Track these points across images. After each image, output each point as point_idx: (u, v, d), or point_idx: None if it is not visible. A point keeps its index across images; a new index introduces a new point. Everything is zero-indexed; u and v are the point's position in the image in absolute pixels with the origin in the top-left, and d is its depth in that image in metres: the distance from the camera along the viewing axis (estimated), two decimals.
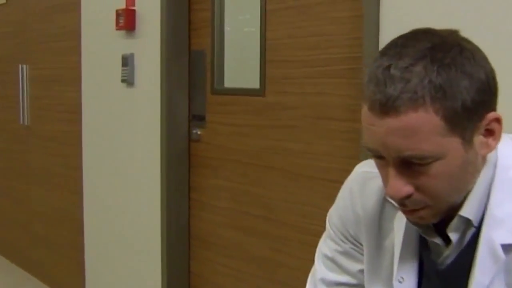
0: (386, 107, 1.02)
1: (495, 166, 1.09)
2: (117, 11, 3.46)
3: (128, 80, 3.48)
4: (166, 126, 3.28)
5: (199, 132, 3.29)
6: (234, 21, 3.16)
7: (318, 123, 2.66)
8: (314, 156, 2.69)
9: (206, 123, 3.25)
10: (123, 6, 3.50)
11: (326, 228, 1.37)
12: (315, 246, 1.42)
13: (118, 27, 3.47)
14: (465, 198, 1.09)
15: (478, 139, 1.05)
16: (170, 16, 3.23)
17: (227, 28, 3.15)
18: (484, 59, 1.08)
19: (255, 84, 2.97)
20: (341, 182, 1.40)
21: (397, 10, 2.16)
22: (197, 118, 3.29)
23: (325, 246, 1.35)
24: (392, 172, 1.03)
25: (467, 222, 1.09)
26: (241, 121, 3.04)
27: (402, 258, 1.16)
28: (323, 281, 1.32)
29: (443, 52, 1.03)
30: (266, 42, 2.89)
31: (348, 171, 1.40)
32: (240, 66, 3.10)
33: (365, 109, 1.06)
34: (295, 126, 2.77)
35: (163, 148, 3.29)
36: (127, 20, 3.43)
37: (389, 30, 2.16)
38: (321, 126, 2.65)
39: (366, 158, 1.31)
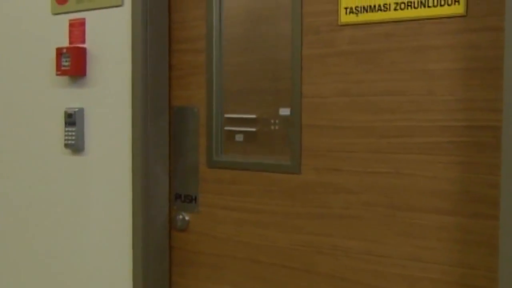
0: None
1: None
2: (58, 49, 2.49)
3: (74, 146, 2.50)
4: (141, 210, 2.34)
5: (186, 218, 2.38)
6: None
7: (394, 215, 1.90)
8: (386, 260, 1.92)
9: (197, 206, 2.35)
10: (67, 42, 2.54)
11: None
12: None
13: (60, 71, 2.50)
14: None
15: None
16: (144, 57, 2.32)
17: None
18: None
19: (282, 156, 2.14)
20: None
21: None
22: (183, 199, 2.39)
23: None
24: None
25: None
26: (258, 205, 2.20)
27: None
28: None
29: None
30: (302, 100, 2.08)
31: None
32: (256, 131, 2.25)
33: None
34: (355, 216, 1.98)
35: (136, 239, 2.36)
36: (74, 62, 2.47)
37: None
38: (398, 219, 1.89)
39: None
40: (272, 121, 2.19)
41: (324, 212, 2.05)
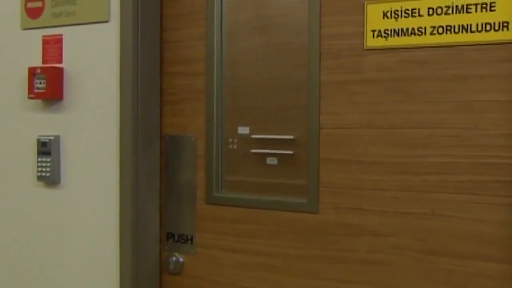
0: None
1: None
2: (31, 69, 2.20)
3: (49, 178, 2.21)
4: (129, 251, 2.07)
5: (180, 260, 2.12)
6: None
7: (430, 261, 1.72)
8: None
9: (193, 247, 2.10)
10: (39, 61, 2.25)
11: None
12: None
13: (33, 94, 2.21)
14: None
15: None
16: (134, 79, 2.06)
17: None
18: None
19: (298, 194, 1.92)
20: None
21: None
22: (177, 239, 2.13)
23: None
24: None
25: None
26: (267, 247, 1.98)
27: None
28: None
29: None
30: (320, 131, 1.87)
31: None
32: (264, 163, 2.03)
33: None
34: (382, 262, 1.79)
35: (123, 283, 2.09)
36: (50, 84, 2.18)
37: None
38: (434, 266, 1.71)
39: None
40: (282, 153, 1.97)
41: (346, 256, 1.85)
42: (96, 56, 2.14)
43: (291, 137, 1.95)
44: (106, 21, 2.12)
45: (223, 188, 2.08)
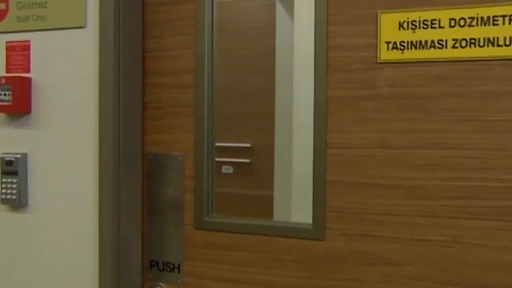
0: None
1: None
2: None
3: (15, 201, 1.98)
4: (109, 281, 1.86)
5: None
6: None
7: None
8: None
9: (181, 277, 1.91)
10: (2, 70, 2.01)
11: None
12: None
13: None
14: None
15: None
16: (115, 91, 1.86)
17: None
18: None
19: (302, 219, 1.77)
20: None
21: None
22: (162, 267, 1.94)
23: None
24: None
25: None
26: (266, 277, 1.81)
27: None
28: None
29: None
30: (326, 150, 1.71)
31: None
32: (260, 186, 1.86)
33: None
34: None
35: None
36: (16, 96, 1.95)
37: None
38: None
39: None
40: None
41: (356, 286, 1.69)
42: (69, 64, 1.92)
43: (248, 145, 1.79)
44: (81, 27, 1.91)
45: (215, 211, 1.89)
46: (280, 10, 1.81)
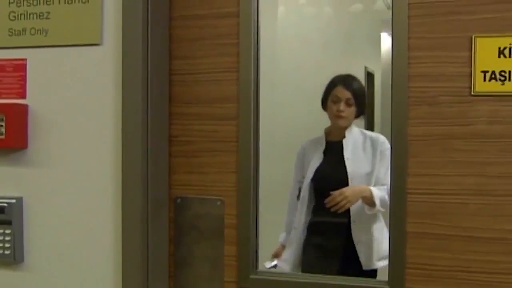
0: None
1: None
2: None
3: (8, 256, 1.61)
4: None
5: None
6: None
7: None
8: None
9: None
10: None
11: None
12: None
13: None
14: None
15: None
16: (143, 124, 1.53)
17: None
18: None
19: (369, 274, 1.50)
20: None
21: None
22: None
23: None
24: None
25: None
26: None
27: None
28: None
29: None
30: (407, 197, 1.46)
31: None
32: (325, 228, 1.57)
33: None
34: None
35: None
36: (9, 128, 1.58)
37: None
38: None
39: None
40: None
41: None
42: (77, 90, 1.57)
43: None
44: (96, 44, 1.56)
45: (258, 266, 1.59)
46: None
